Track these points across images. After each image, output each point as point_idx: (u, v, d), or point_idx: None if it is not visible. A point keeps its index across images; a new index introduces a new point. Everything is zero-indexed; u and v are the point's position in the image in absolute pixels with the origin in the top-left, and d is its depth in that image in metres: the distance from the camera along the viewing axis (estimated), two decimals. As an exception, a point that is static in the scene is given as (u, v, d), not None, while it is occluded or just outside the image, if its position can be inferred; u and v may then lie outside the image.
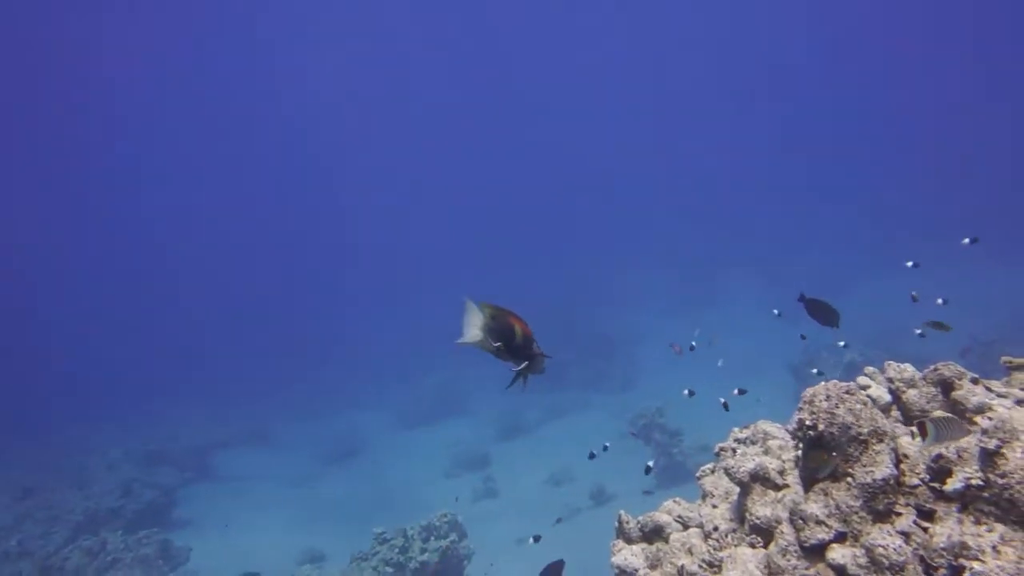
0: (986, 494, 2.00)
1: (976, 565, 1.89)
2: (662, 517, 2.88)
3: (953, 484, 2.08)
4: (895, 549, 2.04)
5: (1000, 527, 1.94)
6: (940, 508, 2.11)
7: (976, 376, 2.47)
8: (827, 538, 2.18)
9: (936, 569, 1.99)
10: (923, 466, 2.20)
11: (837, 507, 2.19)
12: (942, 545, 1.98)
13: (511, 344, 2.38)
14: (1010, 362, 2.54)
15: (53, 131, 39.34)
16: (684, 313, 20.66)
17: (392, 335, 25.17)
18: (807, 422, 2.28)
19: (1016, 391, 2.41)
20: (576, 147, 44.94)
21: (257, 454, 17.14)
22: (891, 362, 2.69)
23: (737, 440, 2.94)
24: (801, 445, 2.37)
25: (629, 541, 2.95)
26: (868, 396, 2.56)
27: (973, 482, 2.04)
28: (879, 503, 2.16)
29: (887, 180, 27.63)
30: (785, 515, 2.37)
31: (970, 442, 2.11)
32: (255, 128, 47.15)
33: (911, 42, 40.10)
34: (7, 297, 36.25)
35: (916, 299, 4.30)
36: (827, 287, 14.65)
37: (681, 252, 26.03)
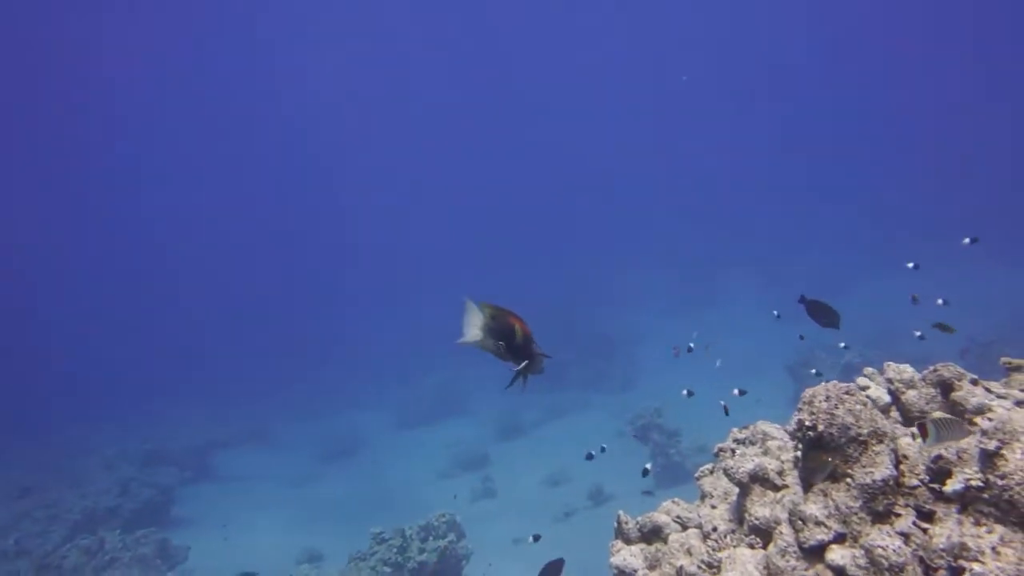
0: (986, 495, 1.99)
1: (976, 566, 1.89)
2: (661, 518, 2.88)
3: (953, 485, 2.08)
4: (895, 550, 2.04)
5: (1000, 528, 1.94)
6: (940, 509, 2.10)
7: (975, 377, 2.47)
8: (826, 539, 2.18)
9: (936, 570, 1.98)
10: (923, 467, 2.19)
11: (836, 508, 2.18)
12: (942, 546, 1.98)
13: (511, 344, 2.38)
14: (1009, 363, 2.53)
15: (53, 131, 39.34)
16: (684, 313, 20.67)
17: (392, 335, 25.18)
18: (807, 423, 2.27)
19: (1016, 392, 2.41)
20: (576, 147, 44.96)
21: (257, 454, 17.15)
22: (890, 363, 2.69)
23: (736, 440, 2.93)
24: (800, 446, 2.36)
25: (628, 541, 2.94)
26: (867, 397, 2.56)
27: (973, 483, 2.03)
28: (879, 504, 2.15)
29: (887, 180, 27.63)
30: (784, 516, 2.37)
31: (970, 443, 2.10)
32: (255, 128, 47.15)
33: (911, 42, 40.12)
34: (7, 297, 36.25)
35: (916, 301, 4.29)
36: (827, 287, 14.67)
37: (681, 252, 26.03)
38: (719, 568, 2.47)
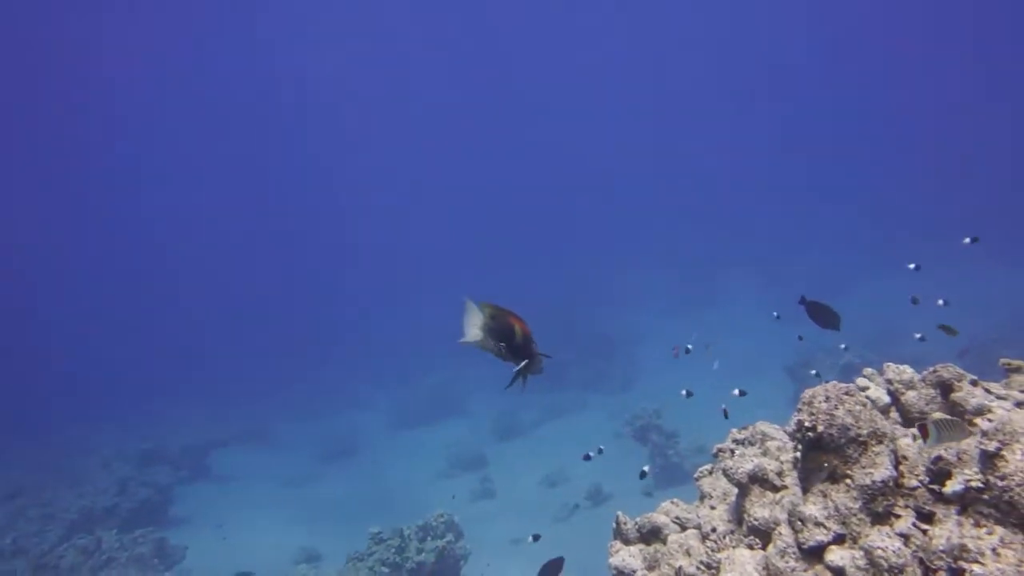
0: (986, 496, 1.98)
1: (976, 567, 1.88)
2: (660, 518, 2.87)
3: (953, 486, 2.07)
4: (894, 551, 2.03)
5: (1000, 529, 1.93)
6: (939, 510, 2.09)
7: (975, 378, 2.46)
8: (826, 540, 2.17)
9: (935, 571, 1.97)
10: (922, 468, 2.18)
11: (836, 509, 2.17)
12: (941, 547, 1.97)
13: (511, 344, 2.38)
14: (1009, 364, 2.52)
15: (53, 131, 39.33)
16: (684, 313, 20.66)
17: (392, 335, 25.17)
18: (806, 423, 2.26)
19: (1015, 393, 2.40)
20: (576, 147, 44.95)
21: (256, 454, 17.14)
22: (890, 363, 2.68)
23: (735, 441, 2.93)
24: (800, 446, 2.36)
25: (627, 542, 2.94)
26: (867, 398, 2.55)
27: (973, 484, 2.02)
28: (878, 505, 2.14)
29: (887, 180, 27.64)
30: (783, 516, 2.36)
31: (970, 444, 2.09)
32: (255, 128, 47.11)
33: (911, 42, 40.11)
34: (7, 297, 36.25)
35: (917, 302, 4.28)
36: (827, 287, 14.69)
37: (681, 252, 26.04)
38: (718, 569, 2.46)
